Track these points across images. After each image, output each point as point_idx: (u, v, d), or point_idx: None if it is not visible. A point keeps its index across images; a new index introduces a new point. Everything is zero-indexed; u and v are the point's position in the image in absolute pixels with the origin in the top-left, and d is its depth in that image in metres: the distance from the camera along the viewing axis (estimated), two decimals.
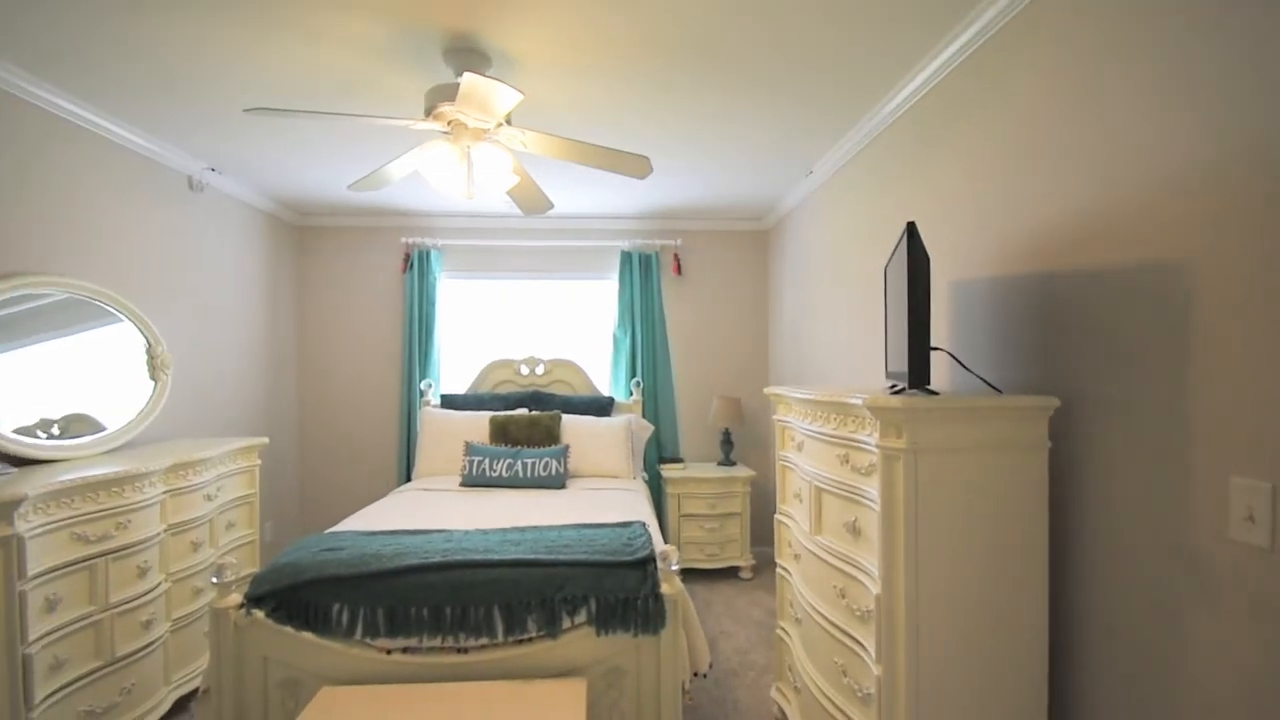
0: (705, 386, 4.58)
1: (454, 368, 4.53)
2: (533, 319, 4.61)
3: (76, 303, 2.56)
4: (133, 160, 2.92)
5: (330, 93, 2.46)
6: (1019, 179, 1.80)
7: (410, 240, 4.40)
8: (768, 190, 3.83)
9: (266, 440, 3.15)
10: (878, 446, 1.50)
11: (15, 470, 2.13)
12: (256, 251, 3.96)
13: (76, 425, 2.51)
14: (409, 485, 3.57)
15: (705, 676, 2.19)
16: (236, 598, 1.91)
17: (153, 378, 2.87)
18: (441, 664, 1.88)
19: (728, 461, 4.27)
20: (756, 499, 4.27)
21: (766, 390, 2.38)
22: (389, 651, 1.88)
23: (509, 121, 2.18)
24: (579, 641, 1.93)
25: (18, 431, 2.25)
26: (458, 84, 1.99)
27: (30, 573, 1.84)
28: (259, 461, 3.09)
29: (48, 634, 1.90)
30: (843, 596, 1.73)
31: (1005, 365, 1.85)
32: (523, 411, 3.96)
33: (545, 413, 3.88)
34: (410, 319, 4.36)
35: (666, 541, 3.69)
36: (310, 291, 4.49)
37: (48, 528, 1.92)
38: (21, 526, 1.82)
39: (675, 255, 4.53)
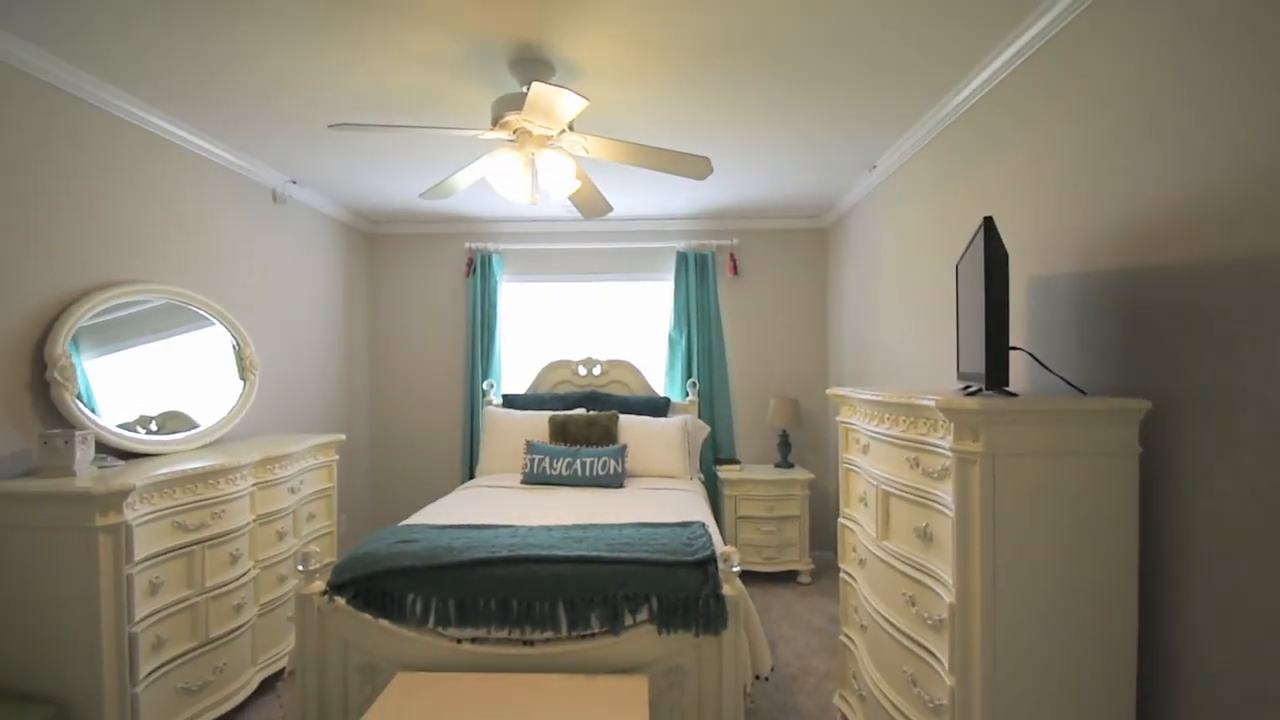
0: (762, 387, 4.54)
1: (514, 368, 4.65)
2: (589, 320, 4.68)
3: (173, 307, 2.76)
4: (224, 175, 3.14)
5: (402, 106, 2.57)
6: (1104, 168, 1.71)
7: (473, 245, 4.54)
8: (827, 187, 3.76)
9: (344, 437, 3.32)
10: (952, 450, 1.45)
11: (122, 463, 2.32)
12: (332, 258, 4.18)
13: (172, 422, 2.70)
14: (473, 481, 3.68)
15: (767, 680, 2.17)
16: (320, 585, 2.02)
17: (242, 378, 3.07)
18: (509, 655, 1.94)
19: (785, 464, 4.21)
20: (815, 502, 4.19)
21: (829, 391, 2.34)
22: (459, 641, 1.95)
23: (571, 128, 2.22)
24: (641, 639, 1.95)
25: (120, 427, 2.44)
26: (524, 93, 2.04)
27: (136, 558, 1.99)
28: (336, 457, 3.25)
29: (150, 615, 2.05)
30: (913, 604, 1.68)
31: (1089, 366, 1.76)
32: (581, 411, 4.01)
33: (603, 413, 3.92)
34: (473, 321, 4.50)
35: (724, 543, 3.68)
36: (381, 296, 4.70)
37: (152, 516, 2.07)
38: (129, 515, 1.97)
39: (731, 255, 4.50)
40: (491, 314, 4.51)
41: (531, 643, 1.96)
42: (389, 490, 4.67)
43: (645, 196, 3.96)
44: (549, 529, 2.40)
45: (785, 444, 4.22)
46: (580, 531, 2.36)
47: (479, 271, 4.50)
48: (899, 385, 2.99)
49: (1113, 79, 1.67)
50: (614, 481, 3.46)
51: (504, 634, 1.96)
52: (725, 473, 4.07)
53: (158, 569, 2.09)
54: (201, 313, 2.89)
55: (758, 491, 3.98)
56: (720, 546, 2.21)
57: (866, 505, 2.05)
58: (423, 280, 4.68)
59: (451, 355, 4.65)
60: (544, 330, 4.70)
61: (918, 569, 1.66)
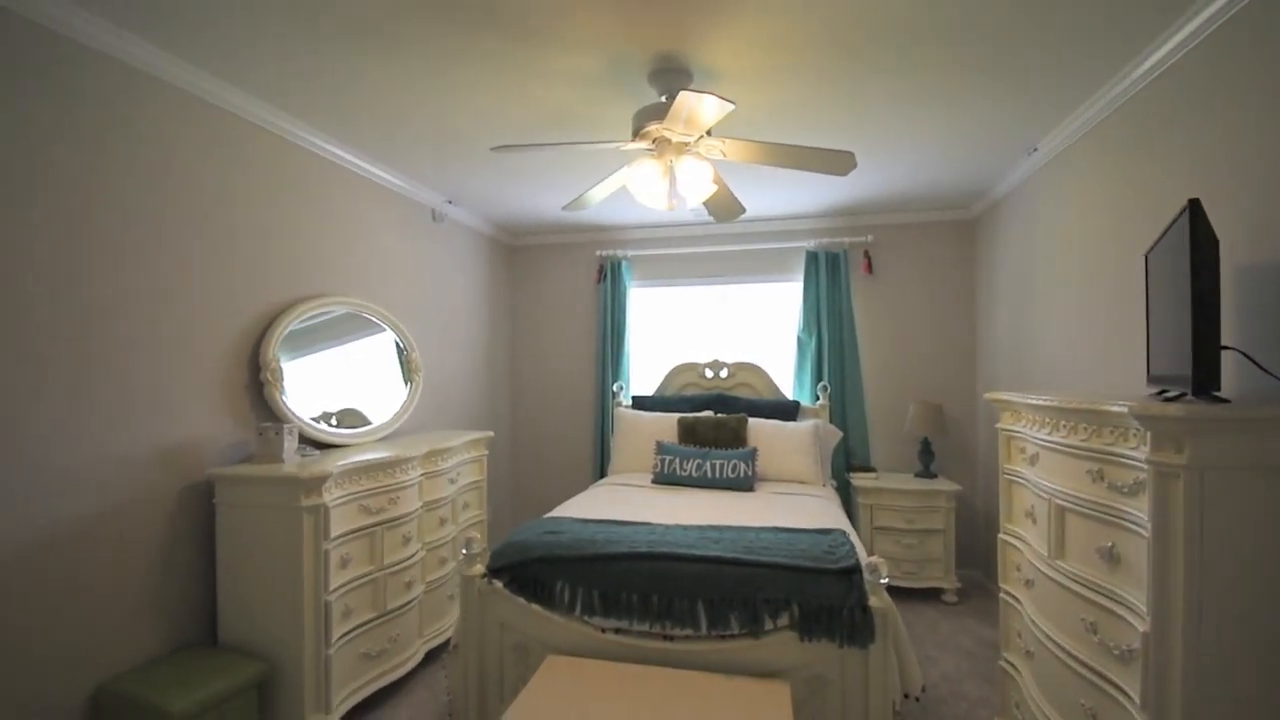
0: (900, 391, 4.29)
1: (642, 370, 4.77)
2: (716, 323, 4.68)
3: (352, 316, 3.13)
4: (392, 199, 3.51)
5: (547, 124, 2.73)
6: None
7: (603, 253, 4.72)
8: (977, 174, 3.48)
9: (493, 434, 3.58)
10: (1148, 462, 1.30)
11: (318, 452, 2.66)
12: (480, 271, 4.53)
13: (349, 418, 3.05)
14: (605, 480, 3.82)
15: (918, 700, 2.06)
16: (480, 568, 2.20)
17: (406, 379, 3.41)
18: (650, 648, 1.99)
19: (927, 473, 3.95)
20: (962, 516, 3.90)
21: (989, 395, 2.17)
22: (604, 630, 2.04)
23: (709, 133, 2.25)
24: (781, 644, 1.93)
25: (310, 420, 2.78)
26: (663, 103, 2.10)
27: (332, 535, 2.27)
28: (486, 452, 3.52)
29: (341, 586, 2.32)
30: (1094, 632, 1.52)
31: None
32: (709, 413, 4.02)
33: (731, 415, 3.91)
34: (603, 326, 4.68)
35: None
36: (519, 304, 5.02)
37: (343, 500, 2.36)
38: (327, 497, 2.26)
39: (865, 253, 4.31)
40: (621, 318, 4.66)
41: (672, 638, 2.00)
42: (526, 485, 4.97)
43: (775, 196, 3.90)
44: (685, 528, 2.43)
45: (927, 452, 3.96)
46: (716, 533, 2.37)
47: (609, 278, 4.67)
48: (1065, 389, 2.70)
49: None
50: (744, 484, 3.43)
51: (645, 627, 2.02)
52: (860, 480, 3.90)
53: (347, 546, 2.37)
54: (374, 320, 3.24)
55: (897, 502, 3.77)
56: (864, 557, 2.13)
57: (1034, 521, 1.88)
58: (557, 288, 4.94)
59: (583, 358, 4.86)
60: (671, 333, 4.77)
61: (1101, 593, 1.51)
